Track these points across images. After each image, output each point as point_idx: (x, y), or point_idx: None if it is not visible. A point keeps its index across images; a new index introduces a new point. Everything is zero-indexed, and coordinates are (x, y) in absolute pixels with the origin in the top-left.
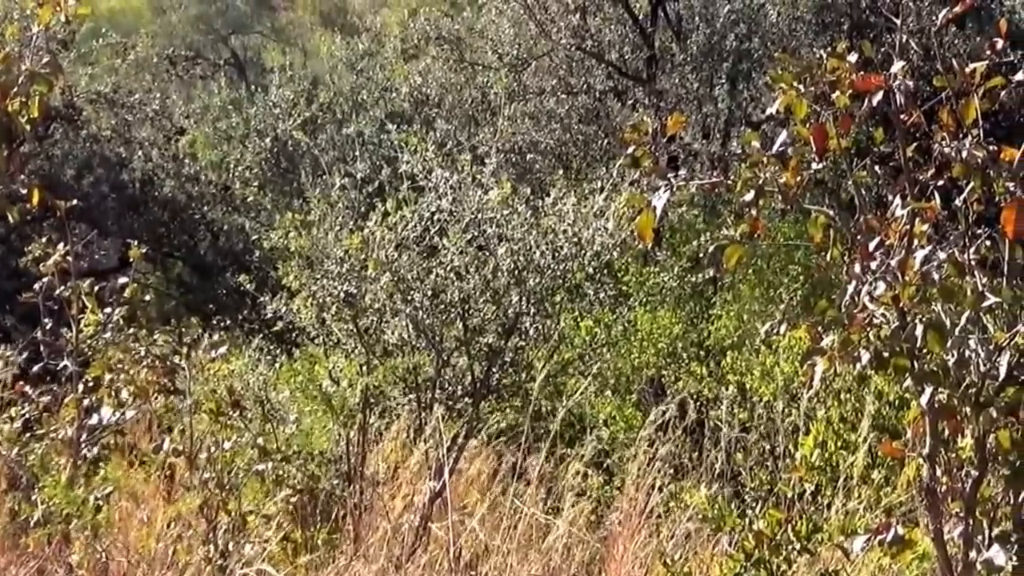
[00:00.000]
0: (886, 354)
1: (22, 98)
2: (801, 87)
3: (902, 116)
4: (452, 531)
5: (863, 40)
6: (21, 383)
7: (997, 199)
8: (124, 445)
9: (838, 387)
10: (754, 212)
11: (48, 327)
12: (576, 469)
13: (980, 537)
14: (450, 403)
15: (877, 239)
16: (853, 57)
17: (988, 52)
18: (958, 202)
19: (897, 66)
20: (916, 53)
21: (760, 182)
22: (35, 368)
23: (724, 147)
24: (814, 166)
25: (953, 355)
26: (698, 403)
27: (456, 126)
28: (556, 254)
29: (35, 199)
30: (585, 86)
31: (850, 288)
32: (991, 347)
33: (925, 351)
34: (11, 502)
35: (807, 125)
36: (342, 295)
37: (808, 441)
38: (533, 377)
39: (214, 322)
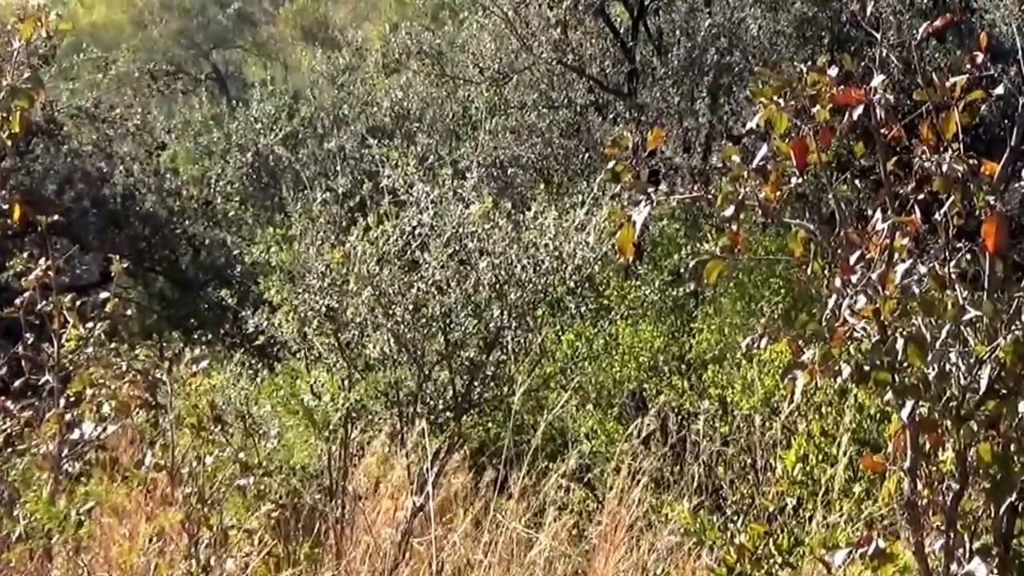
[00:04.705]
0: (867, 367)
1: (3, 113)
2: (781, 101)
3: (882, 130)
4: (434, 546)
5: (844, 54)
6: (2, 398)
7: (977, 212)
8: (106, 460)
9: (819, 400)
10: (735, 226)
11: (29, 342)
12: (558, 483)
13: (961, 550)
14: (432, 417)
15: (858, 253)
16: (833, 71)
17: (968, 66)
18: (938, 216)
19: (877, 80)
20: (896, 67)
21: (741, 196)
22: (16, 383)
23: (705, 161)
24: (794, 180)
25: (934, 368)
26: (679, 416)
27: (437, 140)
28: (537, 268)
29: (16, 214)
30: (566, 100)
31: (831, 302)
32: (972, 360)
33: (906, 364)
34: None
35: (787, 139)
36: (324, 309)
37: (789, 455)
38: (515, 391)
39: (195, 336)
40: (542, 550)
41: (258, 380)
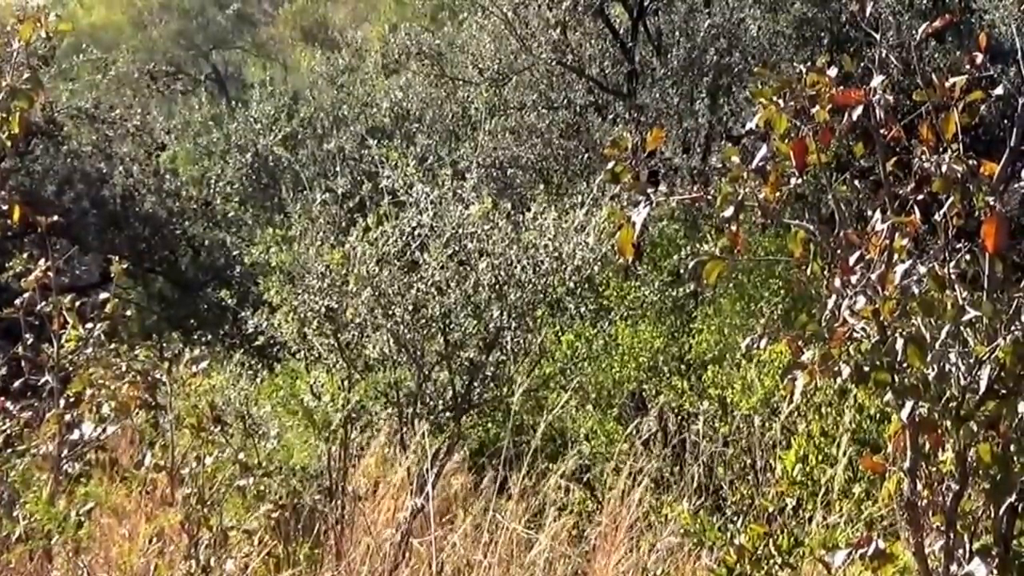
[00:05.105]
0: (867, 368)
1: (3, 114)
2: (781, 102)
3: (882, 130)
4: (434, 546)
5: (843, 54)
6: (2, 399)
7: (977, 213)
8: (106, 460)
9: (819, 401)
10: (734, 227)
11: (29, 343)
12: (558, 484)
13: (961, 551)
14: (431, 418)
15: (857, 253)
16: (833, 71)
17: (968, 66)
18: (938, 216)
19: (877, 80)
20: (896, 67)
21: (740, 197)
22: (16, 384)
23: (704, 162)
24: (794, 181)
25: (933, 369)
26: (679, 417)
27: (437, 141)
28: (537, 269)
29: (16, 215)
30: (566, 101)
31: (830, 302)
32: (971, 361)
33: (905, 365)
34: None
35: (787, 140)
36: (323, 310)
37: (789, 455)
38: (514, 391)
39: (195, 337)
40: (542, 551)
41: (258, 380)
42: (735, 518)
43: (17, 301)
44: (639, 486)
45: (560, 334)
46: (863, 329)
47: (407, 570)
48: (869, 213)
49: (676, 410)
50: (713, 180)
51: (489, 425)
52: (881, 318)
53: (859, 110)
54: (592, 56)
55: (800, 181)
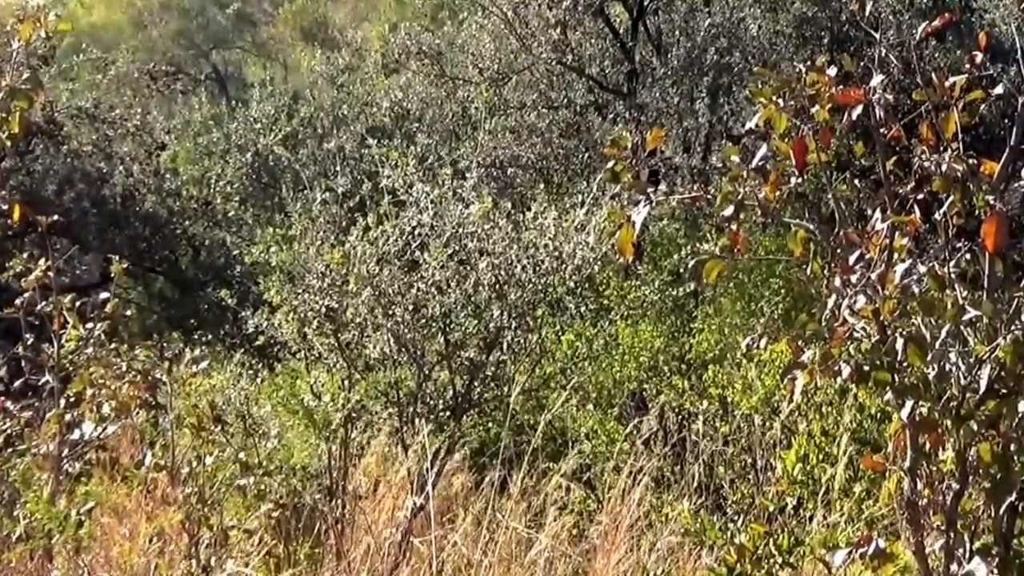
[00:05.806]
0: (867, 367)
1: (3, 114)
2: (781, 101)
3: (882, 130)
4: (435, 546)
5: (843, 54)
6: (2, 399)
7: (977, 212)
8: (106, 460)
9: (819, 400)
10: (734, 226)
11: (29, 342)
12: (558, 483)
13: (961, 550)
14: (432, 417)
15: (857, 252)
16: (833, 71)
17: (968, 65)
18: (938, 215)
19: (877, 80)
20: (896, 67)
21: (740, 196)
22: (16, 383)
23: (705, 161)
24: (794, 180)
25: (934, 368)
26: (679, 416)
27: (437, 140)
28: (537, 268)
29: (16, 214)
30: (566, 100)
31: (830, 302)
32: (971, 360)
33: (906, 364)
34: None
35: (787, 139)
36: (323, 310)
37: (790, 455)
38: (514, 391)
39: (195, 337)
40: (542, 550)
41: (258, 380)
42: (735, 517)
43: (17, 301)
44: (639, 485)
45: (560, 334)
46: (863, 329)
47: (407, 569)
48: (869, 212)
49: (676, 409)
50: (713, 179)
51: (489, 425)
52: (881, 318)
53: (859, 109)
54: (592, 55)
55: (800, 180)
